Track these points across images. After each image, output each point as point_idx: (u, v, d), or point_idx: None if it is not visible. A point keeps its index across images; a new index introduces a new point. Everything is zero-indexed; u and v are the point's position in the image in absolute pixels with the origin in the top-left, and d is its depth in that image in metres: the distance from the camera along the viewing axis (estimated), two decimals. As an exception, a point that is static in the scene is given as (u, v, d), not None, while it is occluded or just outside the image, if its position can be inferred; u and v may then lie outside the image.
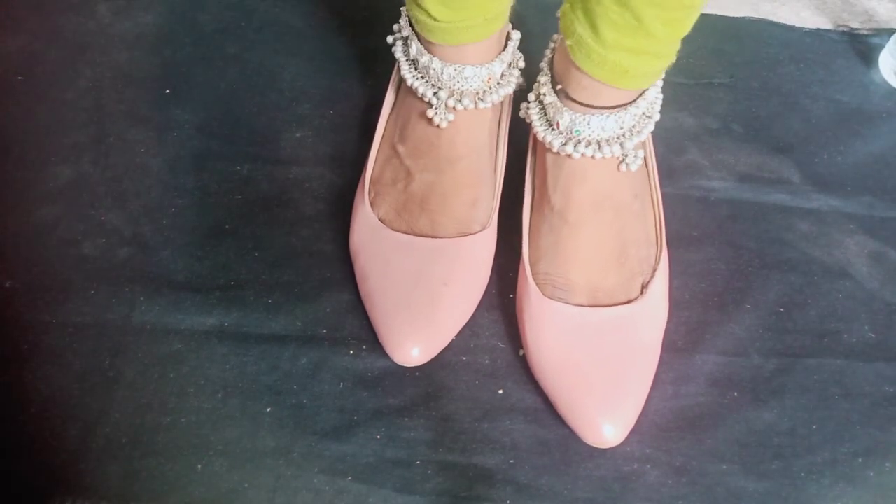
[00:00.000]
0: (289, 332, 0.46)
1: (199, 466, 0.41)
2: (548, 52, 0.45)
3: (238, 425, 0.42)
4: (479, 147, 0.47)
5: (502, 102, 0.49)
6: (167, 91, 0.57)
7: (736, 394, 0.45)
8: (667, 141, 0.56)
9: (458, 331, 0.45)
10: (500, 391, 0.44)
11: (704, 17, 0.66)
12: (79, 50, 0.58)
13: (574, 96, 0.41)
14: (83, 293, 0.46)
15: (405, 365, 0.43)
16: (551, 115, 0.43)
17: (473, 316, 0.47)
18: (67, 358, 0.44)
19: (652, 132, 0.45)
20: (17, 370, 0.43)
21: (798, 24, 0.67)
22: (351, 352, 0.45)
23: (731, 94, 0.60)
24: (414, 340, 0.42)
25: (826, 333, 0.48)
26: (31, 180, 0.51)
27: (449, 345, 0.45)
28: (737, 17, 0.66)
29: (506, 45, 0.46)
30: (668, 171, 0.54)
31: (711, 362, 0.46)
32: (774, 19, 0.67)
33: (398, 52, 0.46)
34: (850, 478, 0.42)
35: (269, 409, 0.43)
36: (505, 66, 0.46)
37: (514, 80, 0.46)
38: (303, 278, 0.48)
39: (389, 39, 0.47)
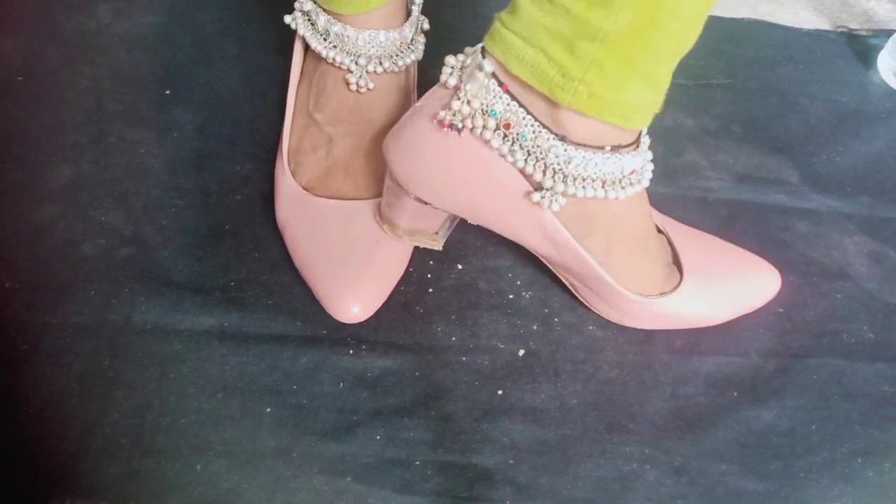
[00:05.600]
0: (288, 333, 0.46)
1: (199, 467, 0.41)
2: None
3: (238, 426, 0.42)
4: (396, 108, 0.49)
5: (409, 67, 0.50)
6: (167, 91, 0.57)
7: (735, 394, 0.45)
8: (666, 141, 0.56)
9: (394, 285, 0.46)
10: (500, 391, 0.44)
11: (704, 18, 0.66)
12: (79, 50, 0.58)
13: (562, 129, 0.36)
14: (83, 293, 0.46)
15: (348, 322, 0.44)
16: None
17: (473, 316, 0.47)
18: (67, 358, 0.43)
19: (651, 132, 0.45)
20: (17, 370, 0.43)
21: (797, 25, 0.67)
22: (351, 352, 0.45)
23: (731, 94, 0.60)
24: (355, 298, 0.44)
25: (825, 333, 0.48)
26: (31, 180, 0.51)
27: (449, 345, 0.46)
28: (736, 18, 0.67)
29: (411, 11, 0.48)
30: (667, 172, 0.54)
31: (710, 362, 0.46)
32: (773, 20, 0.67)
33: (301, 27, 0.47)
34: (850, 478, 0.42)
35: (268, 410, 0.43)
36: (414, 30, 0.48)
37: (421, 44, 0.48)
38: (302, 279, 0.48)
39: (287, 18, 0.48)
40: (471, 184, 0.39)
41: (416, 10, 0.48)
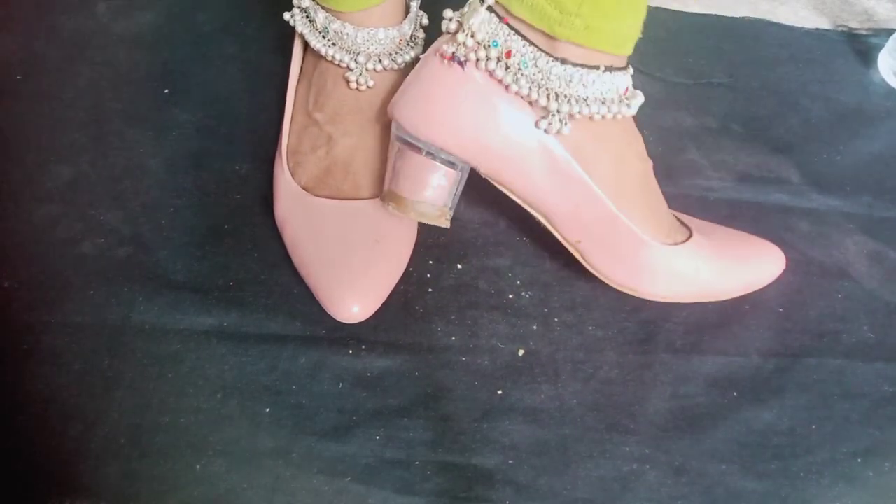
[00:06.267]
0: (288, 332, 0.45)
1: (198, 467, 0.41)
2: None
3: (237, 425, 0.42)
4: None
5: (409, 64, 0.50)
6: (166, 91, 0.57)
7: (735, 394, 0.45)
8: (666, 140, 0.56)
9: (394, 285, 0.46)
10: (500, 392, 0.44)
11: (704, 17, 0.66)
12: (78, 50, 0.58)
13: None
14: (82, 293, 0.46)
15: (347, 322, 0.44)
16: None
17: (473, 316, 0.47)
18: (66, 358, 0.43)
19: (652, 131, 0.45)
20: (17, 370, 0.43)
21: (797, 24, 0.67)
22: (350, 352, 0.45)
23: (731, 93, 0.60)
24: (354, 298, 0.44)
25: (825, 333, 0.48)
26: (30, 180, 0.51)
27: (448, 345, 0.46)
28: (736, 17, 0.67)
29: (410, 7, 0.48)
30: (668, 171, 0.54)
31: (710, 362, 0.46)
32: (773, 19, 0.67)
33: (300, 24, 0.47)
34: (850, 478, 0.42)
35: (268, 410, 0.43)
36: (414, 26, 0.48)
37: (421, 41, 0.49)
38: (301, 278, 0.48)
39: (286, 16, 0.48)
40: (479, 120, 0.40)
41: (415, 6, 0.48)
